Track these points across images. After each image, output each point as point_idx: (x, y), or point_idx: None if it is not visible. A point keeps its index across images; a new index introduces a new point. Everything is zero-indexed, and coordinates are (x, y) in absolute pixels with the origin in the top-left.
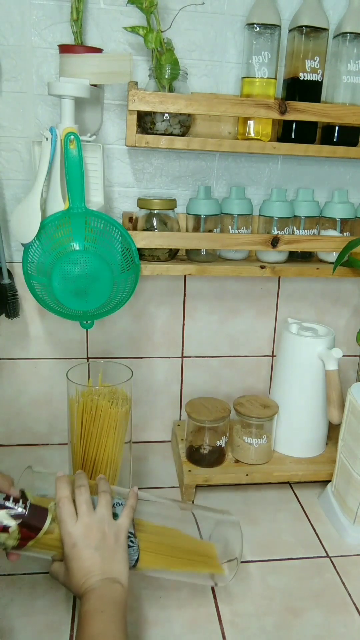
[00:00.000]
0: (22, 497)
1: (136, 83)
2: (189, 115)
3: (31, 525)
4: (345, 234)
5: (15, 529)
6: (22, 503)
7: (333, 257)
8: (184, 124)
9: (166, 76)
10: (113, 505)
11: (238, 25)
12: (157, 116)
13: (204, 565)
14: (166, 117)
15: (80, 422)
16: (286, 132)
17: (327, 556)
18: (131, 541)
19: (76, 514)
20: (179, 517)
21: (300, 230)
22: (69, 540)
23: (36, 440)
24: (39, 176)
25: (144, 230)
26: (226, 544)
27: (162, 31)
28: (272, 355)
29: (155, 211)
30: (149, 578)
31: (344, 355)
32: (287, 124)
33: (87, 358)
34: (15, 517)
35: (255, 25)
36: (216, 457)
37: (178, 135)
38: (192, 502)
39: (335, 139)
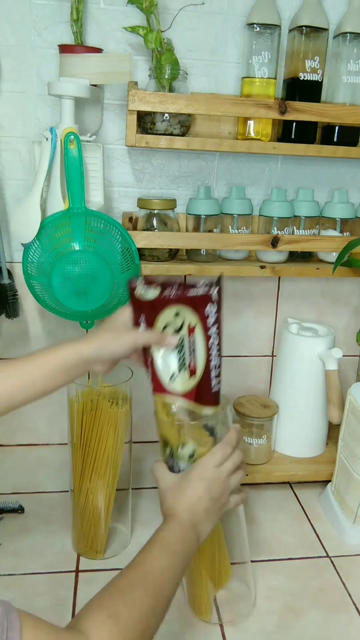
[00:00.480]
0: None
1: (136, 83)
2: (189, 115)
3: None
4: (345, 234)
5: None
6: None
7: (333, 257)
8: (184, 124)
9: (166, 76)
10: None
11: (238, 25)
12: (157, 116)
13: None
14: (166, 117)
15: (80, 422)
16: (286, 132)
17: (327, 556)
18: None
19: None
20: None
21: (300, 230)
22: (204, 470)
23: (36, 440)
24: (39, 176)
25: (144, 230)
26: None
27: (162, 31)
28: (272, 355)
29: (155, 211)
30: None
31: (344, 355)
32: (287, 124)
33: None
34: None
35: (255, 25)
36: None
37: (178, 135)
38: None
39: (335, 139)
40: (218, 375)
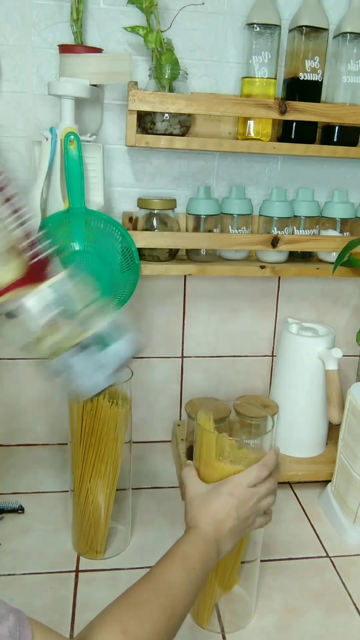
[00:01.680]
0: None
1: (136, 83)
2: (189, 115)
3: None
4: (345, 234)
5: None
6: None
7: (333, 257)
8: (184, 124)
9: (166, 76)
10: None
11: (238, 25)
12: (157, 116)
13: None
14: (166, 117)
15: (80, 422)
16: (286, 132)
17: (327, 556)
18: None
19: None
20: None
21: (300, 230)
22: (236, 487)
23: (36, 440)
24: (39, 176)
25: (144, 230)
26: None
27: (162, 31)
28: (272, 355)
29: (155, 211)
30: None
31: (344, 355)
32: (287, 124)
33: None
34: None
35: (255, 25)
36: None
37: (178, 135)
38: None
39: (335, 139)
40: (29, 235)
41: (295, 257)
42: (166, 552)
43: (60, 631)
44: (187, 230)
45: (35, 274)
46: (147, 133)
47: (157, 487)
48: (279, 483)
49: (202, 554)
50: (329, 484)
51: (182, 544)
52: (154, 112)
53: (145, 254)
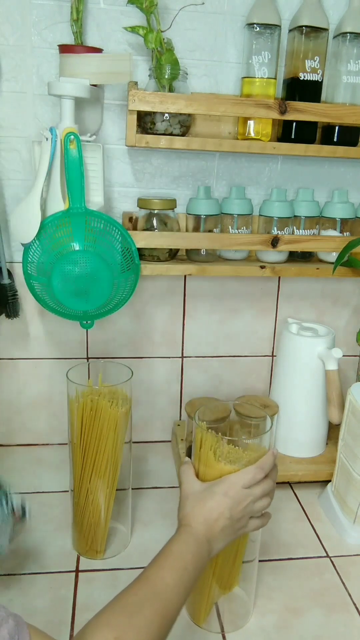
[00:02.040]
0: None
1: (136, 83)
2: (189, 115)
3: None
4: (345, 234)
5: None
6: None
7: (333, 257)
8: (184, 124)
9: (166, 76)
10: None
11: (238, 25)
12: (157, 116)
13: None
14: (166, 117)
15: (80, 422)
16: (286, 132)
17: (327, 556)
18: None
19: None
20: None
21: (300, 230)
22: (231, 487)
23: (36, 440)
24: (39, 176)
25: (144, 230)
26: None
27: (162, 31)
28: (272, 355)
29: (155, 211)
30: None
31: (344, 355)
32: (287, 124)
33: (87, 358)
34: None
35: (255, 25)
36: None
37: (178, 135)
38: None
39: (335, 139)
40: None
41: (295, 257)
42: (158, 553)
43: (60, 631)
44: (187, 230)
45: None
46: (147, 133)
47: (157, 487)
48: (278, 483)
49: (194, 554)
50: (329, 484)
51: (174, 543)
52: (154, 112)
53: (145, 254)
